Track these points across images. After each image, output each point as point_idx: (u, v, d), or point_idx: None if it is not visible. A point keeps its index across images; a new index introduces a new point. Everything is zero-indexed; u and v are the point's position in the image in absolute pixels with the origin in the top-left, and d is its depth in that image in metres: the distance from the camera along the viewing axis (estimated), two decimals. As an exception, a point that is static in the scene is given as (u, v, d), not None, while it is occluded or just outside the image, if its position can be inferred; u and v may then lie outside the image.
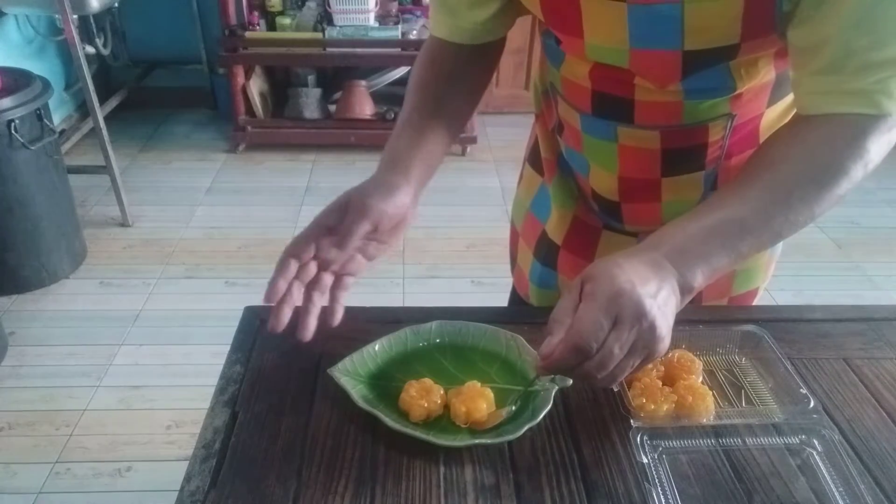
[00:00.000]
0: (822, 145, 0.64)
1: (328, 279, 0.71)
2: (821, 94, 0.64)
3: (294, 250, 0.69)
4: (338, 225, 0.70)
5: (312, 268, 0.70)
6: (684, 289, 0.61)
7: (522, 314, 0.96)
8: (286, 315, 0.68)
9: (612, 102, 0.77)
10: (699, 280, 0.61)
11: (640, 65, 0.71)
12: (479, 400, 0.68)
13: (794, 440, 0.67)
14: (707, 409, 0.69)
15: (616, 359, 0.57)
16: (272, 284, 0.68)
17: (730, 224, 0.62)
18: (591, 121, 0.81)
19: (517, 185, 1.07)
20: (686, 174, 0.81)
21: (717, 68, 0.70)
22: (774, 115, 0.79)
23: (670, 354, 0.75)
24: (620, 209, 0.88)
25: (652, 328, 0.57)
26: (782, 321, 0.85)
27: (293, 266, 0.68)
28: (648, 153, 0.80)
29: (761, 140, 0.80)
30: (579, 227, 0.94)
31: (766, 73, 0.73)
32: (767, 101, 0.77)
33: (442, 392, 0.70)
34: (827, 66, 0.62)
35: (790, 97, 0.79)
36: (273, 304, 0.68)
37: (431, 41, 0.85)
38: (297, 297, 0.69)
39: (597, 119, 0.80)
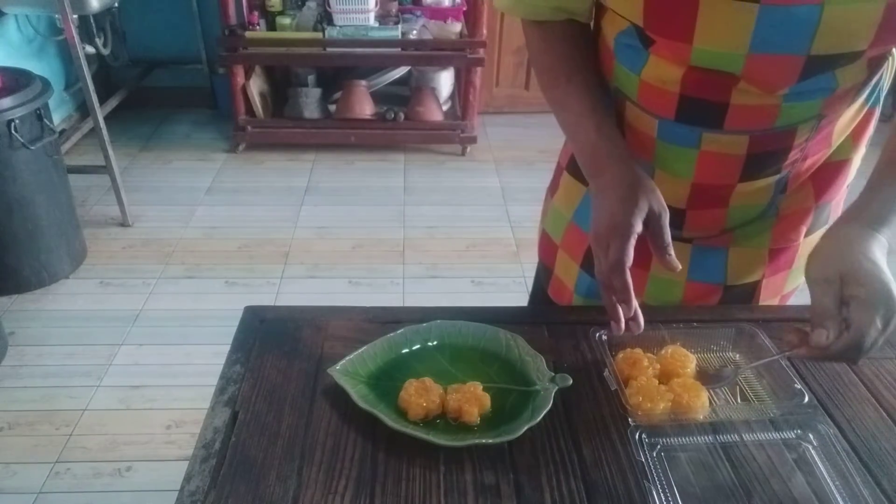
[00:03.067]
0: None
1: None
2: None
3: (629, 262, 0.71)
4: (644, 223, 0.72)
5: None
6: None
7: (523, 314, 0.96)
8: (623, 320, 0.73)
9: (702, 107, 0.74)
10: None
11: (755, 70, 0.69)
12: (473, 405, 0.69)
13: (791, 435, 0.68)
14: (703, 406, 0.69)
15: (876, 347, 0.65)
16: (629, 302, 0.72)
17: None
18: (673, 127, 0.77)
19: (549, 194, 1.02)
20: (762, 179, 0.80)
21: (829, 72, 0.69)
22: (847, 117, 0.79)
23: (664, 351, 0.75)
24: (684, 216, 0.86)
25: None
26: (782, 321, 0.85)
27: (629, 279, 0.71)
28: (732, 159, 0.78)
29: (833, 141, 0.81)
30: None
31: (860, 74, 0.72)
32: (850, 101, 0.76)
33: (441, 391, 0.70)
34: None
35: (861, 99, 0.78)
36: (617, 320, 0.72)
37: (538, 27, 0.83)
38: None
39: (679, 125, 0.77)
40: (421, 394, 0.69)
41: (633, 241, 0.71)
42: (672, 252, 0.73)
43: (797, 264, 0.91)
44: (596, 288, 0.95)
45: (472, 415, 0.68)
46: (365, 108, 3.22)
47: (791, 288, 0.94)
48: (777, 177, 0.81)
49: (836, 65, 0.68)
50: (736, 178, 0.80)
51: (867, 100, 0.80)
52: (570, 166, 0.97)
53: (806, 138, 0.77)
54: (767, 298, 0.92)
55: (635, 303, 0.72)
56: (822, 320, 0.65)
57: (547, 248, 1.04)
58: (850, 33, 0.64)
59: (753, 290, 0.91)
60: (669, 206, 0.85)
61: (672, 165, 0.82)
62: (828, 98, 0.73)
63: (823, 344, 0.65)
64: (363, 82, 3.23)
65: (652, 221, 0.72)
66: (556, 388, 0.71)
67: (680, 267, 0.73)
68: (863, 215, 0.70)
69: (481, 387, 0.71)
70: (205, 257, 2.54)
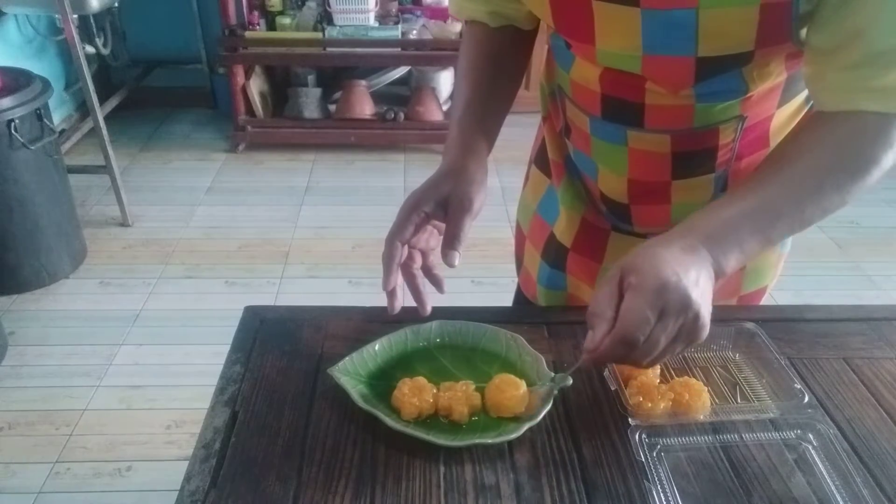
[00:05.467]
0: (853, 134, 0.64)
1: (418, 257, 0.76)
2: (845, 91, 0.64)
3: (400, 236, 0.71)
4: (433, 213, 0.72)
5: (406, 250, 0.73)
6: (718, 274, 0.62)
7: (523, 314, 0.96)
8: (401, 298, 0.74)
9: (622, 107, 0.77)
10: (731, 265, 0.63)
11: (652, 71, 0.71)
12: (463, 405, 0.69)
13: (791, 435, 0.68)
14: (703, 405, 0.69)
15: (661, 347, 0.59)
16: (389, 272, 0.71)
17: (762, 210, 0.64)
18: (601, 124, 0.80)
19: (523, 187, 1.06)
20: (696, 177, 0.81)
21: (730, 73, 0.69)
22: (785, 115, 0.79)
23: None
24: (629, 211, 0.88)
25: (696, 317, 0.59)
26: (782, 321, 0.85)
27: (400, 251, 0.71)
28: (659, 156, 0.79)
29: (772, 141, 0.80)
30: (588, 228, 0.93)
31: (778, 75, 0.73)
32: (778, 102, 0.77)
33: (435, 391, 0.70)
34: (853, 63, 0.62)
35: (800, 97, 0.79)
36: (388, 290, 0.73)
37: (472, 26, 0.85)
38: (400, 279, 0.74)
39: (606, 123, 0.80)
40: (414, 393, 0.69)
41: (414, 218, 0.71)
42: (455, 247, 0.70)
43: (751, 265, 0.90)
44: (556, 278, 0.98)
45: (462, 414, 0.68)
46: (365, 108, 3.22)
47: (752, 289, 0.93)
48: (714, 175, 0.81)
49: (729, 66, 0.68)
50: (668, 175, 0.81)
51: (807, 101, 0.80)
52: (537, 159, 1.01)
53: (732, 138, 0.77)
54: (721, 299, 0.92)
55: (393, 279, 0.72)
56: (592, 320, 0.61)
57: (518, 239, 1.09)
58: (730, 35, 0.65)
59: None
60: (615, 201, 0.89)
61: (608, 161, 0.84)
62: (744, 99, 0.73)
63: (590, 346, 0.60)
64: (363, 82, 3.23)
65: (449, 208, 0.71)
66: (556, 387, 0.71)
67: (454, 265, 0.70)
68: (695, 228, 0.63)
69: (473, 386, 0.70)
70: (205, 257, 2.54)
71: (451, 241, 0.70)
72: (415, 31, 3.15)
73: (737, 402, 0.73)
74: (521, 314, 0.96)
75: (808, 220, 0.65)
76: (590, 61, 0.76)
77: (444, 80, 3.40)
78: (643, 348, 0.58)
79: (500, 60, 0.84)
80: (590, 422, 0.70)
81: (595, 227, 0.93)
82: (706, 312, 0.59)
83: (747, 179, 0.68)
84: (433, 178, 0.73)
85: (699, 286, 0.59)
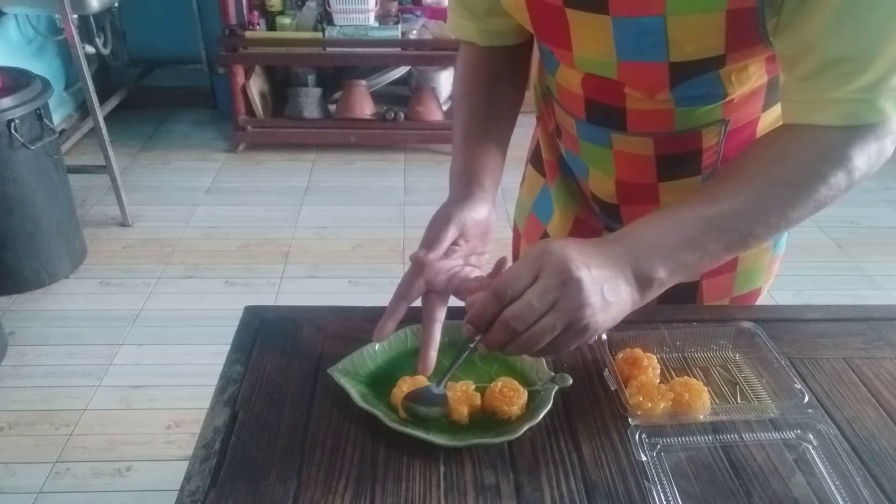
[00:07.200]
0: (801, 150, 0.63)
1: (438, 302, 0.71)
2: (802, 101, 0.63)
3: (403, 292, 0.70)
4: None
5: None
6: (641, 279, 0.60)
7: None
8: (390, 330, 0.70)
9: (604, 111, 0.77)
10: (660, 272, 0.61)
11: (628, 76, 0.71)
12: (462, 404, 0.69)
13: (791, 435, 0.68)
14: (704, 405, 0.69)
15: (534, 311, 0.56)
16: (382, 327, 0.69)
17: (696, 220, 0.62)
18: (586, 127, 0.81)
19: (519, 186, 1.07)
20: (682, 179, 0.81)
21: (706, 76, 0.70)
22: (771, 118, 0.79)
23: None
24: (620, 211, 0.88)
25: (578, 288, 0.56)
26: (782, 321, 0.85)
27: (403, 308, 0.70)
28: (643, 159, 0.80)
29: None
30: (580, 228, 0.94)
31: (758, 79, 0.73)
32: (762, 106, 0.77)
33: (435, 391, 0.70)
34: (809, 74, 0.62)
35: None
36: (378, 341, 0.72)
37: (465, 48, 0.86)
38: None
39: (591, 126, 0.80)
40: (414, 392, 0.69)
41: (418, 275, 0.70)
42: (428, 248, 0.68)
43: (742, 267, 0.90)
44: None
45: (462, 414, 0.68)
46: (365, 108, 3.22)
47: (744, 291, 0.93)
48: (701, 177, 0.81)
49: (703, 70, 0.68)
50: (653, 177, 0.82)
51: None
52: (532, 159, 1.03)
53: (716, 142, 0.77)
54: (713, 299, 0.92)
55: (385, 334, 0.69)
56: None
57: (515, 238, 1.10)
58: (699, 40, 0.64)
59: (694, 290, 0.91)
60: (604, 201, 0.90)
61: (595, 163, 0.85)
62: (726, 103, 0.73)
63: (470, 300, 0.61)
64: (363, 82, 3.23)
65: (432, 246, 0.69)
66: (556, 387, 0.71)
67: (416, 260, 0.69)
68: (619, 236, 0.62)
69: (473, 386, 0.70)
70: (205, 257, 2.54)
71: (425, 244, 0.69)
72: (415, 31, 3.15)
73: (737, 402, 0.73)
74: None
75: (750, 233, 0.63)
76: (571, 67, 0.76)
77: (444, 80, 3.40)
78: (515, 307, 0.57)
79: (497, 80, 0.84)
80: (590, 422, 0.70)
81: (588, 227, 0.94)
82: (593, 290, 0.57)
83: (694, 191, 0.68)
84: (427, 232, 0.72)
85: (593, 269, 0.58)
